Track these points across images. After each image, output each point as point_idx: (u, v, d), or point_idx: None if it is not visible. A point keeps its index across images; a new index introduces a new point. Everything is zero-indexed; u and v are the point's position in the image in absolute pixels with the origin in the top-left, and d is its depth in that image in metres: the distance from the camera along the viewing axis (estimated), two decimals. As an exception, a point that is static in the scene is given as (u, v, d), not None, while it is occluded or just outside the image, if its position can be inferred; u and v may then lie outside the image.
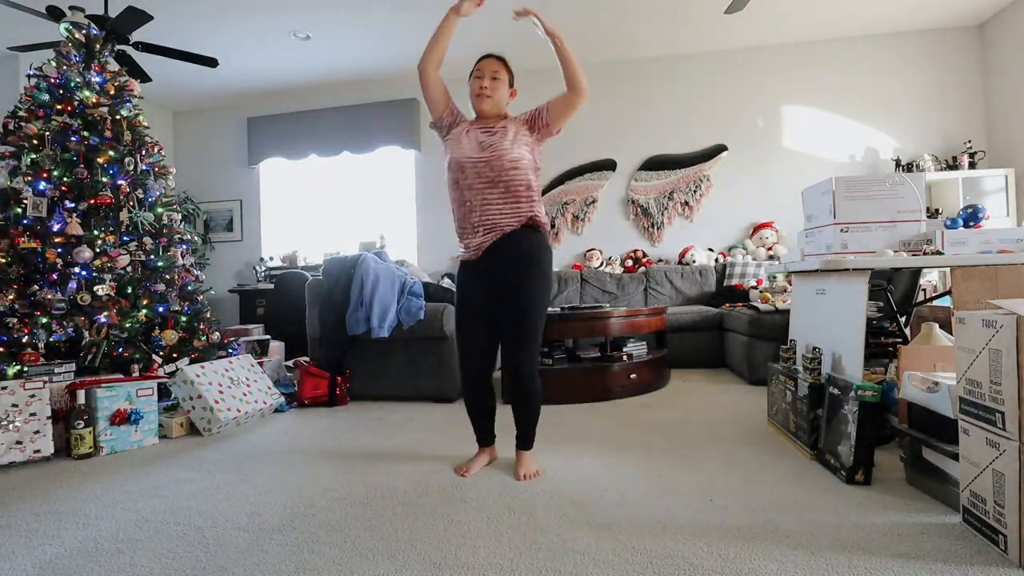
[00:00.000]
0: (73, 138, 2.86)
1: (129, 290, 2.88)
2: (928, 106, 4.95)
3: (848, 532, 1.38)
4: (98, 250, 2.79)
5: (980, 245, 1.94)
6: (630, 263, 5.30)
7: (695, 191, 5.30)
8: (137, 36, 3.45)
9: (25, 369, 2.49)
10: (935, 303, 2.82)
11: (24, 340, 2.60)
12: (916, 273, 2.81)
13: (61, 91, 2.93)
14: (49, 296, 2.66)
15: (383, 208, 6.02)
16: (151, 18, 3.15)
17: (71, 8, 3.10)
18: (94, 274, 2.75)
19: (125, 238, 2.93)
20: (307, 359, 3.44)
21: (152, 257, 3.01)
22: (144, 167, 3.09)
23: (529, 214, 1.84)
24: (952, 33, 4.91)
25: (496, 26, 4.68)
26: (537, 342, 1.86)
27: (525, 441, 1.94)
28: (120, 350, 2.77)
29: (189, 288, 3.19)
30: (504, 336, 1.86)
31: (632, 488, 1.74)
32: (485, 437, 2.03)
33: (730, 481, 1.77)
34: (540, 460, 2.06)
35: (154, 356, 2.85)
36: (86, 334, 2.70)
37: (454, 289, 3.95)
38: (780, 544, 1.34)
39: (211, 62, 3.63)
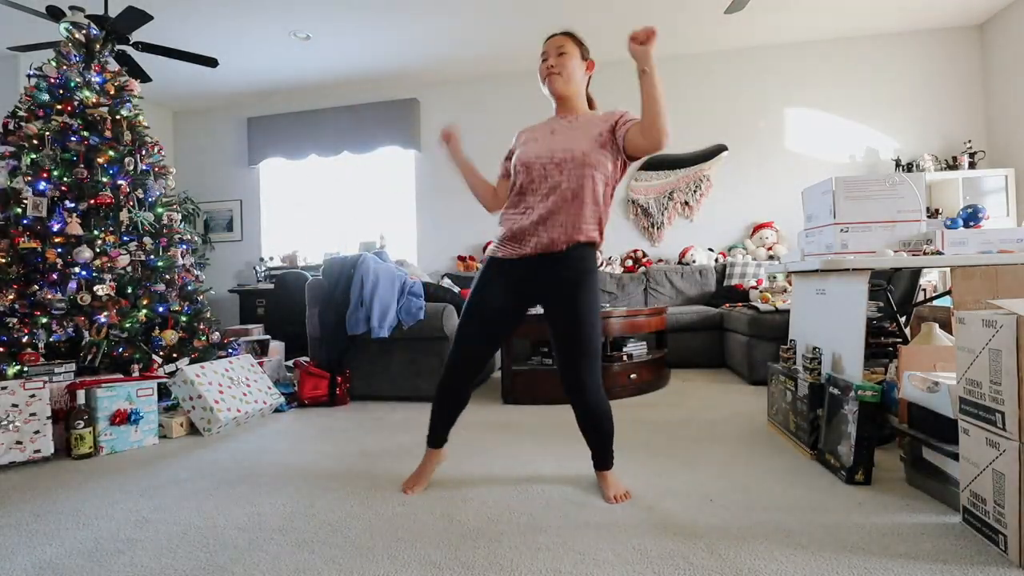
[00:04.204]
0: (73, 138, 2.86)
1: (129, 290, 2.88)
2: (928, 106, 4.95)
3: (848, 532, 1.38)
4: (98, 250, 2.78)
5: (980, 245, 1.94)
6: (630, 263, 5.30)
7: (695, 191, 5.30)
8: (137, 36, 3.46)
9: (25, 369, 2.49)
10: (935, 303, 2.82)
11: (24, 340, 2.60)
12: (916, 273, 2.82)
13: (61, 91, 2.93)
14: (49, 296, 2.66)
15: (383, 208, 6.02)
16: (151, 18, 3.15)
17: (71, 8, 3.10)
18: (94, 274, 2.75)
19: (125, 238, 2.93)
20: (307, 359, 3.44)
21: (152, 257, 3.01)
22: (144, 167, 3.09)
23: (593, 232, 1.66)
24: (952, 33, 4.91)
25: (509, 26, 4.68)
26: (599, 357, 1.67)
27: (604, 462, 1.73)
28: (120, 350, 2.77)
29: (189, 288, 3.19)
30: (565, 356, 1.64)
31: (632, 488, 1.73)
32: (443, 438, 1.83)
33: (730, 481, 1.77)
34: (540, 460, 2.06)
35: (154, 356, 2.85)
36: (86, 334, 2.70)
37: (454, 289, 3.96)
38: (780, 544, 1.34)
39: (211, 62, 3.63)
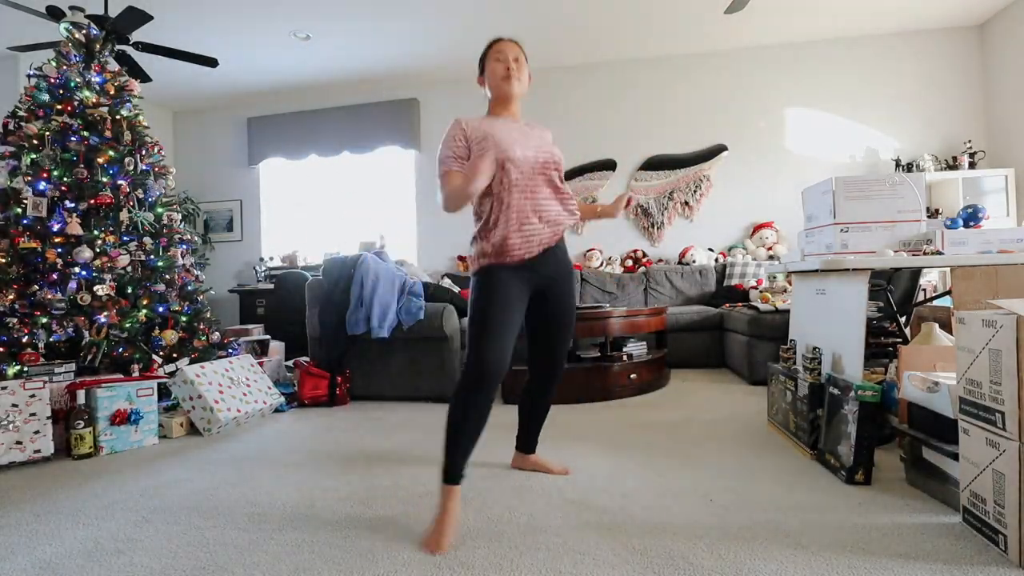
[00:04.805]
0: (73, 138, 2.86)
1: (129, 290, 2.89)
2: (928, 106, 4.94)
3: (848, 532, 1.38)
4: (98, 250, 2.79)
5: (980, 245, 1.94)
6: (630, 263, 5.30)
7: (695, 191, 5.30)
8: (137, 36, 3.46)
9: (25, 369, 2.49)
10: (935, 303, 2.82)
11: (24, 340, 2.60)
12: (916, 273, 2.82)
13: (61, 91, 2.93)
14: (49, 296, 2.66)
15: (383, 208, 6.02)
16: (151, 18, 3.15)
17: (71, 8, 3.10)
18: (94, 274, 2.75)
19: (125, 238, 2.93)
20: (307, 359, 3.44)
21: (152, 257, 3.01)
22: (144, 167, 3.09)
23: (572, 221, 1.77)
24: (952, 33, 4.91)
25: (509, 26, 4.68)
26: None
27: (536, 442, 1.98)
28: (120, 350, 2.77)
29: (189, 288, 3.19)
30: (555, 343, 1.79)
31: (632, 488, 1.74)
32: (463, 470, 1.51)
33: (730, 481, 1.77)
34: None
35: (154, 356, 2.85)
36: (86, 334, 2.70)
37: (454, 289, 3.96)
38: (780, 544, 1.34)
39: (211, 62, 3.63)
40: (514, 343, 1.62)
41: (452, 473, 1.49)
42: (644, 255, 5.32)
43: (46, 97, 2.90)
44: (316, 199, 6.19)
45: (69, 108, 2.90)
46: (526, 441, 1.96)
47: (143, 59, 4.00)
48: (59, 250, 2.72)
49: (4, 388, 2.20)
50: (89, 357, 2.69)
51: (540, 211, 1.67)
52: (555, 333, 1.78)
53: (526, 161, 1.65)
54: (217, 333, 3.27)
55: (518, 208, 1.64)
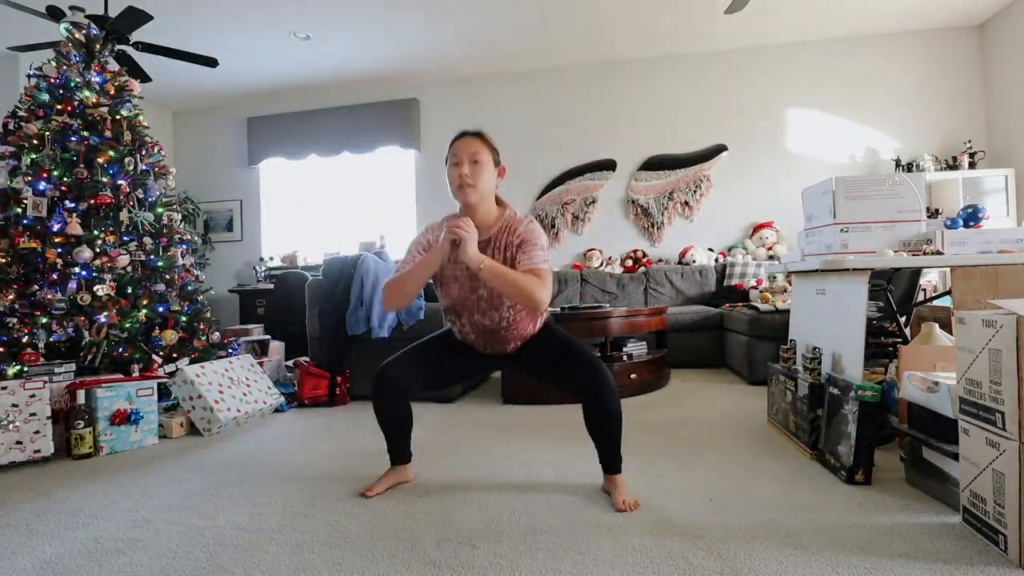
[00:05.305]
0: (73, 138, 2.86)
1: (129, 290, 2.88)
2: (928, 106, 4.94)
3: (848, 532, 1.38)
4: (98, 250, 2.78)
5: (980, 245, 1.94)
6: (630, 263, 5.30)
7: (695, 191, 5.30)
8: (137, 36, 3.45)
9: (25, 369, 2.49)
10: (935, 303, 2.82)
11: (24, 340, 2.60)
12: (916, 273, 2.82)
13: (61, 91, 2.93)
14: (49, 296, 2.66)
15: (383, 208, 6.02)
16: (151, 18, 3.15)
17: (71, 8, 3.10)
18: (94, 274, 2.75)
19: (125, 238, 2.93)
20: (307, 359, 3.43)
21: (152, 257, 3.01)
22: (144, 167, 3.09)
23: (535, 328, 1.77)
24: (952, 33, 4.91)
25: (509, 25, 4.68)
26: (597, 361, 1.69)
27: (612, 464, 1.70)
28: (120, 350, 2.77)
29: (189, 288, 3.19)
30: (565, 370, 1.69)
31: (632, 488, 1.73)
32: (401, 455, 1.85)
33: (730, 481, 1.77)
34: (540, 461, 2.06)
35: (154, 356, 2.85)
36: (86, 334, 2.70)
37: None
38: (780, 544, 1.34)
39: (211, 62, 3.62)
40: (423, 376, 1.82)
41: (391, 456, 1.84)
42: (644, 255, 5.32)
43: (46, 97, 2.90)
44: (316, 199, 6.19)
45: (69, 108, 2.90)
46: (601, 462, 1.74)
47: (143, 59, 4.00)
48: (59, 250, 2.72)
49: (4, 388, 2.20)
50: (89, 357, 2.69)
51: (487, 340, 1.76)
52: (563, 367, 1.69)
53: (464, 302, 1.73)
54: (217, 333, 3.26)
55: (461, 325, 1.78)
